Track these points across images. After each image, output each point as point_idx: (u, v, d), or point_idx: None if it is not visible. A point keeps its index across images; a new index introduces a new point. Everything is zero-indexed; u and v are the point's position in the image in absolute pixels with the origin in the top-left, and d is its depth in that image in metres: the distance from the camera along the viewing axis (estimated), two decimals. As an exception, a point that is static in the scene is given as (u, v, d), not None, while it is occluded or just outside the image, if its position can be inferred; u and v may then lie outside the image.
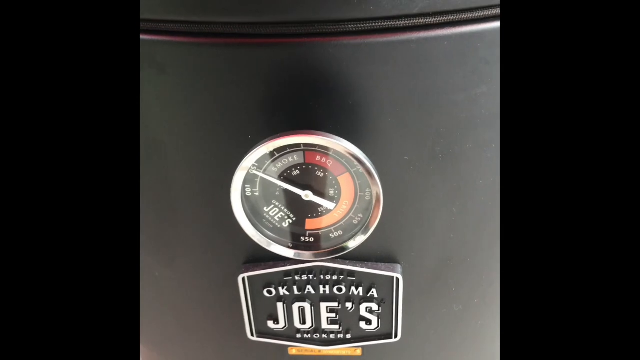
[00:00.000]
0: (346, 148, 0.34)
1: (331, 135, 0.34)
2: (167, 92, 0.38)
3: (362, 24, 0.35)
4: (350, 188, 0.37)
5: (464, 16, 0.35)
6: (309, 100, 0.36)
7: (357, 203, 0.37)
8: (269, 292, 0.45)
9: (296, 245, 0.39)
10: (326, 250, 0.39)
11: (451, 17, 0.35)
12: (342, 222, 0.39)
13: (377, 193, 0.36)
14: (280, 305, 0.46)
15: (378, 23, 0.35)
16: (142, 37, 0.37)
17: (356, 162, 0.35)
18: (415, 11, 0.34)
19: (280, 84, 0.36)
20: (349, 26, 0.35)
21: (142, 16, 0.36)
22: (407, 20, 0.35)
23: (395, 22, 0.35)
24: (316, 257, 0.39)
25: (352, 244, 0.39)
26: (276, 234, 0.39)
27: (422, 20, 0.35)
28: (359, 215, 0.38)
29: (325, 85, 0.36)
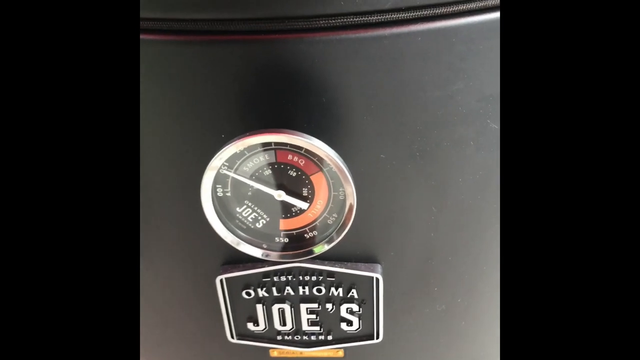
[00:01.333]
0: (316, 146, 0.34)
1: (302, 134, 0.34)
2: (140, 88, 0.37)
3: (333, 19, 0.34)
4: (323, 187, 0.36)
5: (438, 11, 0.34)
6: (282, 97, 0.36)
7: (331, 202, 0.37)
8: (248, 294, 0.45)
9: (271, 246, 0.39)
10: (301, 251, 0.39)
11: (425, 12, 0.34)
12: (316, 222, 0.38)
13: (350, 192, 0.35)
14: (259, 306, 0.45)
15: (349, 18, 0.34)
16: (111, 35, 0.36)
17: (328, 161, 0.35)
18: (387, 6, 0.34)
19: (253, 81, 0.36)
20: (320, 22, 0.34)
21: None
22: (379, 16, 0.34)
23: (367, 17, 0.34)
24: (291, 258, 0.39)
25: (327, 245, 0.38)
26: (250, 234, 0.39)
27: (394, 16, 0.34)
28: (334, 214, 0.37)
29: (298, 82, 0.35)
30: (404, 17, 0.34)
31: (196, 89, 0.36)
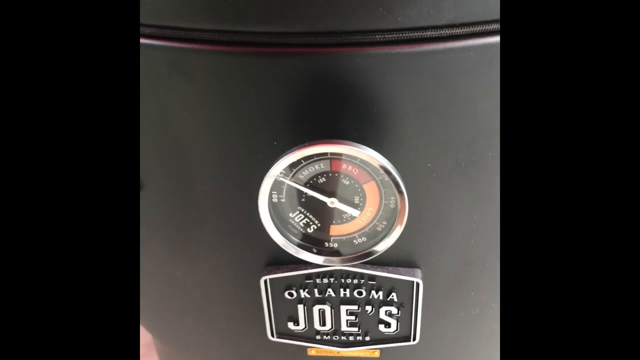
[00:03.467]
0: (373, 157, 0.35)
1: (358, 145, 0.35)
2: (194, 99, 0.39)
3: (390, 34, 0.35)
4: (375, 196, 0.38)
5: (490, 27, 0.35)
6: (335, 108, 0.37)
7: (381, 210, 0.38)
8: (290, 295, 0.46)
9: (320, 250, 0.40)
10: (350, 256, 0.40)
11: (477, 28, 0.35)
12: (366, 229, 0.39)
13: (402, 202, 0.36)
14: (300, 307, 0.47)
15: (405, 34, 0.35)
16: (170, 44, 0.38)
17: (382, 171, 0.36)
18: (442, 22, 0.35)
19: (307, 92, 0.37)
20: (377, 36, 0.35)
21: (171, 23, 0.37)
22: (434, 31, 0.35)
23: (423, 32, 0.35)
24: (340, 263, 0.40)
25: (376, 251, 0.39)
26: (301, 239, 0.40)
27: (448, 31, 0.35)
28: (383, 222, 0.39)
29: (351, 93, 0.36)
30: (457, 32, 0.35)
31: (253, 98, 0.37)
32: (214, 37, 0.36)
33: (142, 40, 0.38)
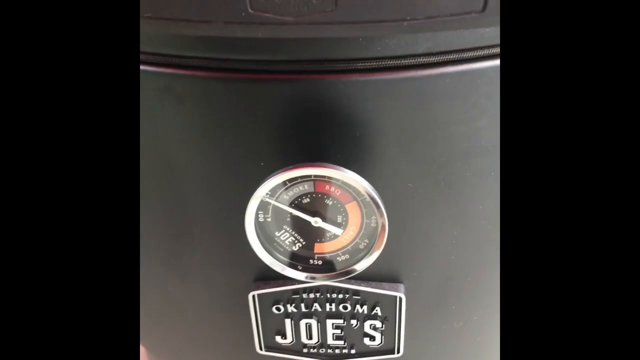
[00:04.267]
0: (355, 180, 0.36)
1: (340, 167, 0.37)
2: (185, 121, 0.40)
3: (370, 62, 0.37)
4: (357, 215, 0.39)
5: (466, 55, 0.37)
6: (319, 131, 0.39)
7: (363, 229, 0.40)
8: (278, 309, 0.47)
9: (305, 267, 0.42)
10: (333, 273, 0.42)
11: (454, 56, 0.37)
12: (349, 247, 0.41)
13: (382, 222, 0.38)
14: (288, 321, 0.48)
15: (385, 62, 0.37)
16: (163, 70, 0.39)
17: (363, 192, 0.38)
18: (420, 51, 0.37)
19: (292, 116, 0.38)
20: (358, 64, 0.37)
21: (163, 51, 0.39)
22: (412, 60, 0.37)
23: (401, 60, 0.37)
24: (324, 280, 0.42)
25: (358, 268, 0.41)
26: (286, 257, 0.42)
27: (426, 59, 0.37)
28: (365, 240, 0.40)
29: (335, 118, 0.38)
30: (434, 60, 0.37)
31: (240, 121, 0.39)
32: (204, 64, 0.38)
33: (135, 66, 0.40)
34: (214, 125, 0.40)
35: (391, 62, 0.37)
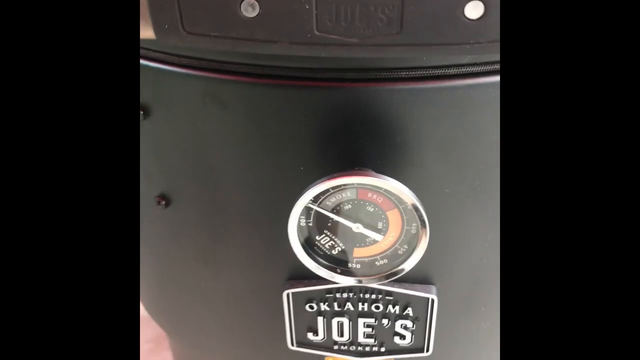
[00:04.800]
0: (399, 189, 0.37)
1: (384, 177, 0.37)
2: (228, 126, 0.41)
3: (414, 71, 0.37)
4: (397, 222, 0.40)
5: (508, 65, 0.38)
6: (360, 138, 0.39)
7: (403, 235, 0.40)
8: (311, 307, 0.48)
9: (344, 271, 0.43)
10: (371, 277, 0.42)
11: (496, 67, 0.38)
12: (388, 252, 0.42)
13: (423, 230, 0.39)
14: (320, 319, 0.49)
15: (429, 71, 0.37)
16: (208, 75, 0.40)
17: (406, 201, 0.38)
18: (464, 61, 0.37)
19: (334, 122, 0.39)
20: (402, 74, 0.37)
21: (208, 56, 0.39)
22: (456, 69, 0.37)
23: (445, 70, 0.37)
24: (362, 283, 0.43)
25: (397, 272, 0.42)
26: (326, 260, 0.42)
27: (469, 69, 0.37)
28: (405, 246, 0.41)
29: (376, 125, 0.39)
30: (477, 70, 0.38)
31: (283, 127, 0.40)
32: (248, 70, 0.39)
33: (180, 70, 0.40)
34: (256, 130, 0.41)
35: (435, 72, 0.37)
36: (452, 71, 0.37)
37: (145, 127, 0.46)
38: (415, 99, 0.38)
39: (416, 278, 0.47)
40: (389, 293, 0.47)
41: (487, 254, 0.46)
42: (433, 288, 0.47)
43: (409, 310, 0.48)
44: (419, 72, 0.37)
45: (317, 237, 0.41)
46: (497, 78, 0.38)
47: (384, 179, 0.37)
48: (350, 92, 0.38)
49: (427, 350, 0.50)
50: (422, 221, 0.38)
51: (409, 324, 0.49)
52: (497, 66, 0.38)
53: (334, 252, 0.42)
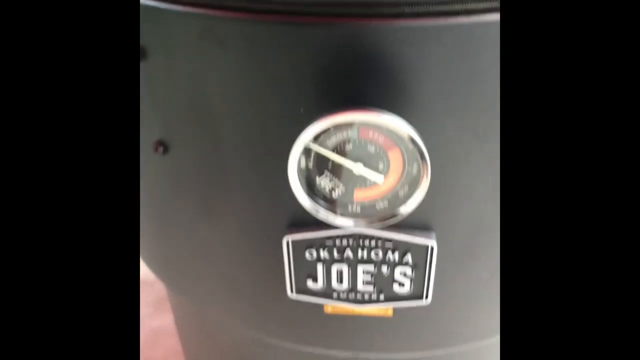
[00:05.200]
0: (402, 127, 0.37)
1: (386, 113, 0.37)
2: (226, 64, 0.40)
3: (418, 7, 0.36)
4: (398, 162, 0.39)
5: (515, 2, 0.37)
6: (362, 76, 0.39)
7: (404, 177, 0.40)
8: (310, 254, 0.48)
9: (344, 213, 0.42)
10: (372, 218, 0.42)
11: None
12: (388, 194, 0.41)
13: (424, 169, 0.38)
14: (320, 266, 0.49)
15: (433, 7, 0.36)
16: (205, 11, 0.39)
17: (407, 139, 0.38)
18: (470, -4, 0.36)
19: (336, 60, 0.38)
20: (406, 9, 0.36)
21: (205, -8, 0.38)
22: (461, 5, 0.36)
23: (449, 6, 0.36)
24: (362, 225, 0.42)
25: (397, 214, 0.41)
26: (326, 202, 0.42)
27: (474, 5, 0.37)
28: (405, 187, 0.41)
29: (378, 63, 0.38)
30: (482, 7, 0.37)
31: (283, 65, 0.39)
32: (246, 6, 0.38)
33: (178, 8, 0.39)
34: (254, 69, 0.40)
35: (439, 8, 0.36)
36: (457, 7, 0.37)
37: (143, 70, 0.45)
38: (419, 36, 0.37)
39: (416, 224, 0.47)
40: (388, 240, 0.47)
41: (488, 202, 0.46)
42: (432, 235, 0.47)
43: (408, 258, 0.48)
44: (423, 8, 0.36)
45: (318, 179, 0.41)
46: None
47: (385, 116, 0.36)
48: (352, 29, 0.37)
49: (426, 298, 0.50)
50: (422, 155, 0.37)
51: (408, 271, 0.49)
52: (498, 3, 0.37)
53: (334, 194, 0.42)
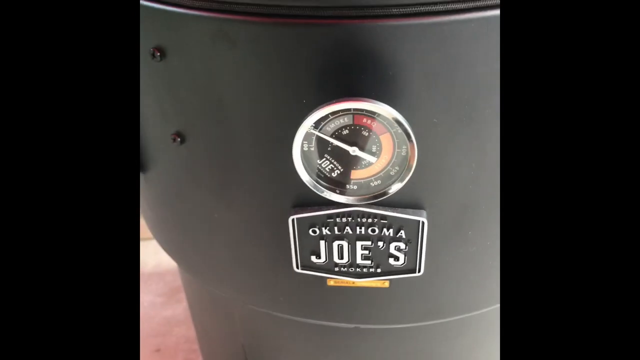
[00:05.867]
0: (388, 112, 0.42)
1: (377, 102, 0.42)
2: (237, 62, 0.46)
3: (404, 8, 0.42)
4: (389, 145, 0.45)
5: (489, 2, 0.42)
6: (357, 71, 0.44)
7: (394, 158, 0.45)
8: (314, 232, 0.54)
9: (342, 191, 0.48)
10: (367, 196, 0.48)
11: (478, 3, 0.42)
12: (381, 174, 0.47)
13: (412, 149, 0.44)
14: (322, 243, 0.54)
15: (417, 8, 0.42)
16: (218, 15, 0.44)
17: (396, 124, 0.43)
18: (450, -2, 0.41)
19: (333, 57, 0.43)
20: (393, 10, 0.42)
21: (219, -2, 0.44)
22: (442, 6, 0.42)
23: (432, 7, 0.42)
24: (359, 202, 0.48)
25: (389, 191, 0.47)
26: (326, 182, 0.48)
27: (454, 6, 0.42)
28: (396, 167, 0.46)
29: (371, 58, 0.43)
30: (461, 7, 0.42)
31: (287, 62, 0.44)
32: (255, 10, 0.43)
33: (193, 12, 0.45)
34: (262, 66, 0.45)
35: (422, 9, 0.42)
36: (438, 8, 0.42)
37: (161, 69, 0.50)
38: (406, 34, 0.42)
39: (408, 203, 0.52)
40: (383, 217, 0.52)
41: (474, 181, 0.51)
42: (424, 212, 0.52)
43: (402, 233, 0.53)
44: (409, 9, 0.42)
45: (319, 161, 0.46)
46: (479, 14, 0.42)
47: (376, 104, 0.41)
48: (348, 29, 0.42)
49: (419, 271, 0.56)
50: (409, 138, 0.43)
51: (402, 245, 0.54)
52: (478, 3, 0.42)
53: (334, 174, 0.47)
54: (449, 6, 0.42)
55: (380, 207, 0.51)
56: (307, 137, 0.45)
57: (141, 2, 0.48)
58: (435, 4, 0.41)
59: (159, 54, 0.49)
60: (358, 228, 0.53)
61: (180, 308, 1.33)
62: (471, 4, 0.42)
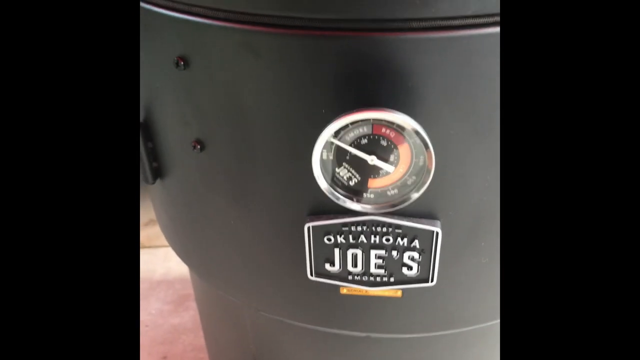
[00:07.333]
0: (408, 122, 0.43)
1: (396, 112, 0.43)
2: (260, 72, 0.47)
3: (424, 22, 0.43)
4: (407, 155, 0.46)
5: (508, 18, 0.43)
6: (377, 82, 0.45)
7: (412, 168, 0.46)
8: (329, 240, 0.54)
9: (359, 199, 0.49)
10: (383, 204, 0.48)
11: (497, 19, 0.43)
12: (398, 183, 0.48)
13: (429, 160, 0.44)
14: (337, 251, 0.55)
15: (437, 22, 0.43)
16: (242, 27, 0.46)
17: (414, 134, 0.44)
18: (469, 13, 0.42)
19: (354, 68, 0.45)
20: (413, 24, 0.43)
21: (242, 9, 0.45)
22: (461, 20, 0.43)
23: (451, 21, 0.43)
24: (375, 210, 0.49)
25: (406, 201, 0.48)
26: (344, 190, 0.49)
27: (473, 21, 0.43)
28: (413, 177, 0.47)
29: (390, 70, 0.44)
30: (481, 22, 0.43)
31: (309, 72, 0.45)
32: (278, 22, 0.44)
33: (216, 23, 0.46)
34: (284, 76, 0.46)
35: (442, 23, 0.43)
36: (458, 22, 0.43)
37: (185, 77, 0.52)
38: (425, 47, 0.44)
39: (423, 213, 0.53)
40: (398, 226, 0.53)
41: (487, 193, 0.52)
42: (438, 222, 0.53)
43: (416, 243, 0.54)
44: (428, 23, 0.43)
45: (337, 170, 0.47)
46: (498, 29, 0.43)
47: (394, 114, 0.42)
48: (369, 41, 0.44)
49: (432, 281, 0.56)
50: (427, 148, 0.43)
51: (415, 255, 0.54)
52: (498, 18, 0.43)
53: (351, 182, 0.48)
54: (468, 21, 0.43)
55: (395, 217, 0.52)
56: (327, 145, 0.46)
57: (166, 12, 0.49)
58: (455, 18, 0.42)
59: (182, 63, 0.50)
60: (372, 237, 0.54)
61: (188, 316, 1.34)
62: (490, 19, 0.43)
